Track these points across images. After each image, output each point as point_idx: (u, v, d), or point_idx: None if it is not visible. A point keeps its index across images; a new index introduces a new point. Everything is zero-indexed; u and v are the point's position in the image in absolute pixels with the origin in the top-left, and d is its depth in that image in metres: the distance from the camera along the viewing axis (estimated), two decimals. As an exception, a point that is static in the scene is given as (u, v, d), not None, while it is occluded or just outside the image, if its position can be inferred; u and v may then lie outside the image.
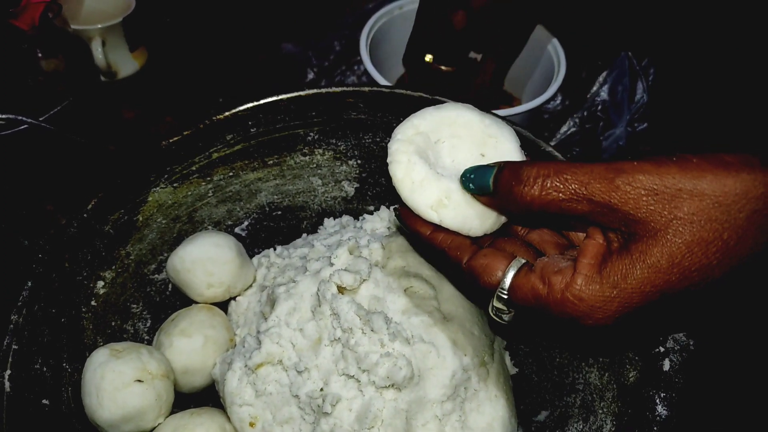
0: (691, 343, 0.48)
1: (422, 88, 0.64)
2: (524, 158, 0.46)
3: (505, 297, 0.40)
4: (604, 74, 0.89)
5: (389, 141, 0.47)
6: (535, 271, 0.39)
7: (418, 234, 0.45)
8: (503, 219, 0.45)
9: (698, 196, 0.34)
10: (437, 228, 0.44)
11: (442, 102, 0.59)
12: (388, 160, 0.46)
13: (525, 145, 0.48)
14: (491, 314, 0.43)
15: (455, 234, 0.44)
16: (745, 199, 0.33)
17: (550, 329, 0.57)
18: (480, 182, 0.41)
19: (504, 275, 0.40)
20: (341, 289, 0.55)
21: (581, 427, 0.55)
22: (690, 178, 0.34)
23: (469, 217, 0.44)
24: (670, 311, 0.37)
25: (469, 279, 0.42)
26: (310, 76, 0.94)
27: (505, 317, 0.43)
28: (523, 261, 0.41)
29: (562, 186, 0.37)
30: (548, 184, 0.37)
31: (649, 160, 0.35)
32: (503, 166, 0.40)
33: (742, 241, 0.33)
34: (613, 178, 0.35)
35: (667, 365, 0.49)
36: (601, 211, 0.36)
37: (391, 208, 0.68)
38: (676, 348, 0.49)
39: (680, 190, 0.34)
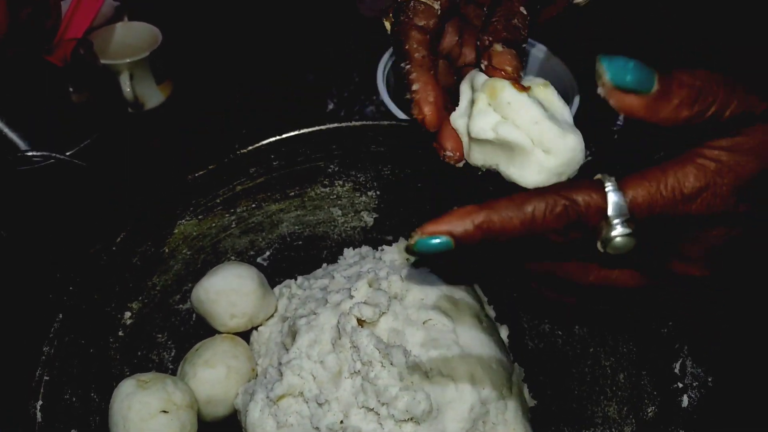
0: (710, 379, 0.48)
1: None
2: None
3: (625, 204, 0.33)
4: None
5: None
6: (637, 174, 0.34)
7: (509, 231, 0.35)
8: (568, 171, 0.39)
9: None
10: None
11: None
12: None
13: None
14: (609, 249, 0.34)
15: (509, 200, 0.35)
16: None
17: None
18: (643, 72, 0.33)
19: (607, 191, 0.33)
20: (361, 322, 0.56)
21: (600, 461, 0.55)
22: None
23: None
24: None
25: (568, 223, 0.34)
26: (330, 106, 0.96)
27: (625, 241, 0.34)
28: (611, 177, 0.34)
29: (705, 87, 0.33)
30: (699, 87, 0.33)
31: None
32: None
33: None
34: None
35: (685, 401, 0.49)
36: (728, 91, 0.33)
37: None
38: (694, 384, 0.49)
39: None
